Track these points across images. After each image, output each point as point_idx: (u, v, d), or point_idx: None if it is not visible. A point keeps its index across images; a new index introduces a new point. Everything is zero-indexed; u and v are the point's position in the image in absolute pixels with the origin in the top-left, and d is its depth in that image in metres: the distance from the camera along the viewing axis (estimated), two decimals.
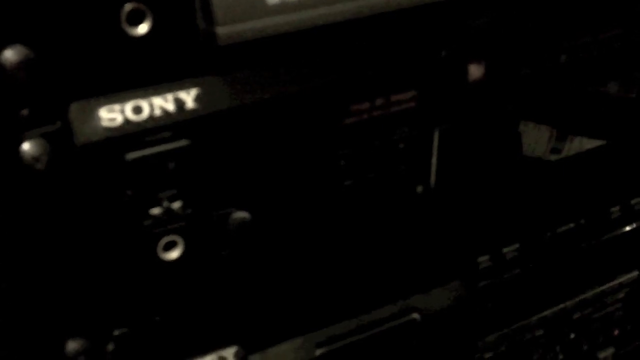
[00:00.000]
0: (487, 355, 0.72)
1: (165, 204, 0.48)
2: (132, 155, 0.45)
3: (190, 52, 0.44)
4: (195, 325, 0.54)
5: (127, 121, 0.43)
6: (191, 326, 0.53)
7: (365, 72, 0.51)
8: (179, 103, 0.44)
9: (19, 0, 0.39)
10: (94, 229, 0.47)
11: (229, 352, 0.56)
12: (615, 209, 0.74)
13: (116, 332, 0.50)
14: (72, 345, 0.49)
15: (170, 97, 0.44)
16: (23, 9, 0.39)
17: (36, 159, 0.42)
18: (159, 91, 0.44)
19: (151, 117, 0.44)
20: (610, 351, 0.83)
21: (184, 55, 0.44)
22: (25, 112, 0.42)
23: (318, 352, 0.59)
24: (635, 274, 0.80)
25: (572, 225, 0.72)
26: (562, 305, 0.75)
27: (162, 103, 0.44)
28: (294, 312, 0.58)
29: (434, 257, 0.64)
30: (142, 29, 0.42)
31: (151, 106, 0.44)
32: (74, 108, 0.42)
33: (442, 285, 0.65)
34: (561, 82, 0.64)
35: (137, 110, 0.44)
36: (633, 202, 0.75)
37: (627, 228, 0.76)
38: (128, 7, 0.41)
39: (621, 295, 0.80)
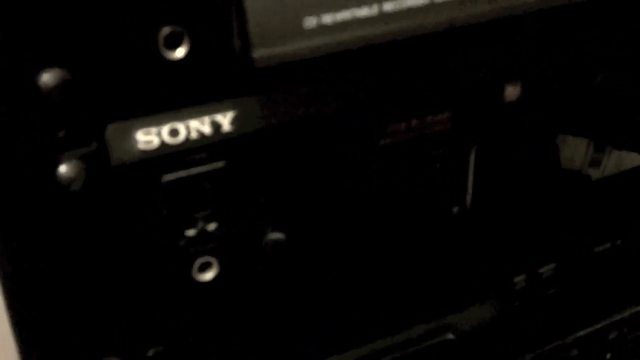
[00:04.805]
0: None
1: (201, 224, 0.48)
2: (167, 177, 0.45)
3: (226, 75, 0.44)
4: (229, 346, 0.53)
5: (163, 143, 0.44)
6: (225, 346, 0.53)
7: (401, 93, 0.51)
8: (216, 125, 0.44)
9: (56, 23, 0.39)
10: (129, 250, 0.47)
11: None
12: None
13: (150, 352, 0.51)
14: None
15: (206, 119, 0.44)
16: (60, 31, 0.40)
17: (72, 180, 0.43)
18: (196, 114, 0.44)
19: (187, 140, 0.44)
20: None
21: (220, 78, 0.44)
22: (62, 133, 0.42)
23: None
24: None
25: (608, 245, 0.71)
26: (598, 325, 0.74)
27: (198, 126, 0.44)
28: (327, 331, 0.58)
29: (469, 276, 0.63)
30: (180, 52, 0.42)
31: (187, 129, 0.44)
32: (111, 130, 0.43)
33: (478, 304, 0.64)
34: (598, 100, 0.63)
35: (174, 132, 0.44)
36: None
37: None
38: (166, 30, 0.41)
39: None
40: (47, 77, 0.40)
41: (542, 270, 0.68)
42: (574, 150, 0.67)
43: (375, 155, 0.52)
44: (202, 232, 0.48)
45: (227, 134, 0.45)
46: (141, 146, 0.43)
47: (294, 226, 0.51)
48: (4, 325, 0.46)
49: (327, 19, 0.43)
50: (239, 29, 0.42)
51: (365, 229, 0.55)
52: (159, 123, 0.43)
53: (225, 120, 0.45)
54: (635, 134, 0.69)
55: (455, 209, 0.58)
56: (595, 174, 0.70)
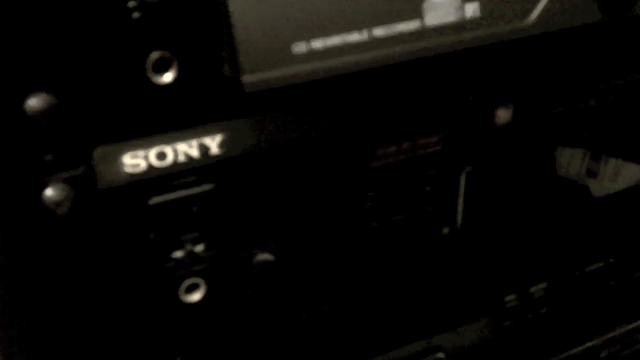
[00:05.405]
0: None
1: (188, 246, 0.48)
2: (155, 200, 0.45)
3: (215, 99, 0.44)
4: None
5: (150, 167, 0.43)
6: None
7: (392, 116, 0.51)
8: (204, 149, 0.44)
9: (43, 48, 0.39)
10: (116, 272, 0.47)
11: None
12: None
13: None
14: None
15: (194, 143, 0.44)
16: (47, 56, 0.39)
17: (59, 203, 0.42)
18: (184, 137, 0.44)
19: (175, 163, 0.44)
20: None
21: (208, 102, 0.44)
22: (49, 157, 0.42)
23: None
24: None
25: (600, 264, 0.71)
26: (589, 344, 0.74)
27: (186, 149, 0.44)
28: (316, 351, 0.58)
29: (460, 296, 0.63)
30: (167, 77, 0.42)
31: (175, 152, 0.44)
32: (98, 153, 0.42)
33: (469, 324, 0.64)
34: (589, 124, 0.63)
35: (161, 156, 0.43)
36: None
37: None
38: (154, 55, 0.41)
39: None
40: (34, 102, 0.40)
41: (533, 289, 0.68)
42: (571, 160, 0.67)
43: (366, 177, 0.52)
44: (190, 254, 0.48)
45: (216, 157, 0.45)
46: (128, 169, 0.43)
47: (283, 248, 0.51)
48: None
49: (317, 44, 0.43)
50: (229, 54, 0.42)
51: (356, 250, 0.55)
52: (147, 146, 0.43)
53: (214, 143, 0.45)
54: (632, 142, 0.69)
55: (446, 230, 0.58)
56: (592, 183, 0.70)
